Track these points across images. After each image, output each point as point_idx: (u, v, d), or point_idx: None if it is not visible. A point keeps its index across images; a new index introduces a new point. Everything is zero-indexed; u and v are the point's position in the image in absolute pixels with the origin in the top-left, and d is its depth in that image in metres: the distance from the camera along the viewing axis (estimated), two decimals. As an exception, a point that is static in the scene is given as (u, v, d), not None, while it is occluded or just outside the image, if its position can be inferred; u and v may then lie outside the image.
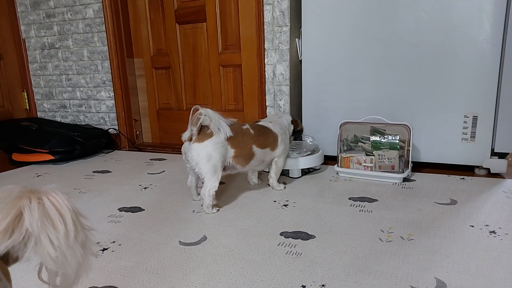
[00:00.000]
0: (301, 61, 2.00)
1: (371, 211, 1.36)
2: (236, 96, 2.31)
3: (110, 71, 2.46)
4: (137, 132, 2.60)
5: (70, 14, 2.48)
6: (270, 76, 2.06)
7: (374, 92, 1.83)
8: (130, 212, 1.43)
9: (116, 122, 2.54)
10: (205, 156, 1.37)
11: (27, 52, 2.70)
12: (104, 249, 1.14)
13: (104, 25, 2.39)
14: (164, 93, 2.52)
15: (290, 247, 1.11)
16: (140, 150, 2.49)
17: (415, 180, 1.68)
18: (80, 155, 2.25)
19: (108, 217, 1.39)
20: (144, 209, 1.45)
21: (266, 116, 2.13)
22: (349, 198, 1.49)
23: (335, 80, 1.90)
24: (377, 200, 1.46)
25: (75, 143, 2.19)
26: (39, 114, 2.80)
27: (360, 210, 1.37)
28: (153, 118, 2.60)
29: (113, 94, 2.50)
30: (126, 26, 2.44)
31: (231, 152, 1.43)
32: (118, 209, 1.46)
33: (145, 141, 2.64)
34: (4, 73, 2.65)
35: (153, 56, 2.48)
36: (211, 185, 1.38)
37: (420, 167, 1.85)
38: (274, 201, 1.49)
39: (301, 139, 1.81)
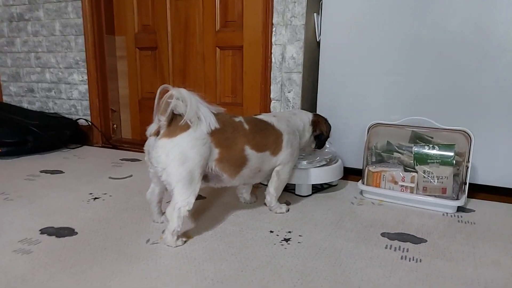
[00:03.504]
0: (319, 42, 1.52)
1: (420, 260, 0.87)
2: (235, 87, 1.84)
3: (85, 49, 2.02)
4: (115, 126, 2.14)
5: (42, -21, 2.05)
6: (277, 59, 1.59)
7: (417, 85, 1.35)
8: (54, 236, 0.96)
9: (89, 112, 2.09)
10: (178, 157, 0.90)
11: (-6, 24, 2.28)
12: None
13: (79, -8, 1.96)
14: (148, 79, 2.06)
15: (289, 329, 0.63)
16: (115, 147, 2.03)
17: (474, 211, 1.18)
18: (35, 148, 1.80)
19: (18, 242, 0.92)
20: (77, 233, 0.98)
21: (269, 112, 1.65)
22: (383, 235, 1.00)
23: (364, 69, 1.41)
24: (426, 241, 0.97)
25: (28, 133, 1.74)
26: (5, 99, 2.37)
27: (402, 257, 0.88)
28: (134, 110, 2.14)
29: (86, 78, 2.05)
30: (106, -5, 2.00)
31: (215, 152, 0.96)
32: (39, 230, 0.99)
33: (124, 136, 2.19)
34: (-36, 47, 2.23)
35: (137, 33, 2.03)
36: (183, 201, 0.91)
37: (474, 191, 1.35)
38: (271, 232, 1.01)
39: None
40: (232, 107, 1.83)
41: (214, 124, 0.95)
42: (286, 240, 0.96)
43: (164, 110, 0.91)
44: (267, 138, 1.06)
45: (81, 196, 1.25)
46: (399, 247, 0.93)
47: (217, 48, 1.84)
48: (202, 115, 0.93)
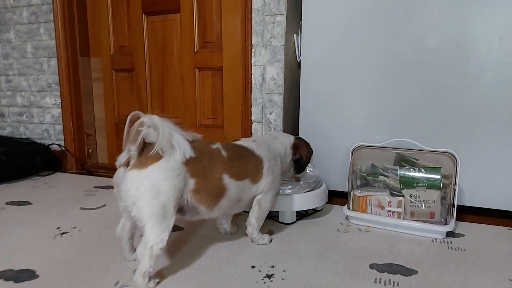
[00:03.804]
0: (299, 63, 1.49)
1: (412, 296, 0.81)
2: (215, 108, 1.78)
3: (58, 72, 1.94)
4: (90, 150, 2.05)
5: (13, 0, 1.98)
6: (258, 81, 1.55)
7: (399, 105, 1.32)
8: (11, 281, 0.86)
9: (63, 136, 1.99)
10: (149, 190, 0.83)
11: (-38, 46, 2.18)
12: None
13: (52, 13, 1.89)
14: (125, 101, 1.99)
15: None
16: (90, 173, 1.94)
17: (463, 235, 1.14)
18: (4, 178, 1.69)
19: (-31, 290, 0.83)
20: (38, 276, 0.89)
21: (250, 135, 1.60)
22: (371, 266, 0.94)
23: (345, 89, 1.38)
24: (416, 272, 0.91)
25: (-5, 161, 1.64)
26: (-27, 124, 2.25)
27: (392, 293, 0.82)
28: (111, 133, 2.06)
29: (60, 101, 1.96)
30: (81, 16, 1.94)
31: (191, 183, 0.89)
32: (-4, 274, 0.90)
33: (100, 161, 2.09)
34: None
35: (113, 54, 1.97)
36: (155, 238, 0.84)
37: (462, 212, 1.31)
38: (252, 267, 0.94)
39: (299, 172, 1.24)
40: (212, 129, 1.77)
41: (189, 152, 0.89)
42: (269, 276, 0.89)
43: (134, 139, 0.85)
44: (247, 165, 1.01)
45: (47, 232, 1.15)
46: (389, 280, 0.88)
47: (196, 69, 1.79)
48: (176, 143, 0.87)
